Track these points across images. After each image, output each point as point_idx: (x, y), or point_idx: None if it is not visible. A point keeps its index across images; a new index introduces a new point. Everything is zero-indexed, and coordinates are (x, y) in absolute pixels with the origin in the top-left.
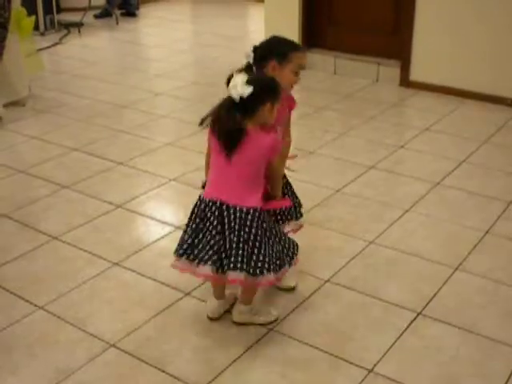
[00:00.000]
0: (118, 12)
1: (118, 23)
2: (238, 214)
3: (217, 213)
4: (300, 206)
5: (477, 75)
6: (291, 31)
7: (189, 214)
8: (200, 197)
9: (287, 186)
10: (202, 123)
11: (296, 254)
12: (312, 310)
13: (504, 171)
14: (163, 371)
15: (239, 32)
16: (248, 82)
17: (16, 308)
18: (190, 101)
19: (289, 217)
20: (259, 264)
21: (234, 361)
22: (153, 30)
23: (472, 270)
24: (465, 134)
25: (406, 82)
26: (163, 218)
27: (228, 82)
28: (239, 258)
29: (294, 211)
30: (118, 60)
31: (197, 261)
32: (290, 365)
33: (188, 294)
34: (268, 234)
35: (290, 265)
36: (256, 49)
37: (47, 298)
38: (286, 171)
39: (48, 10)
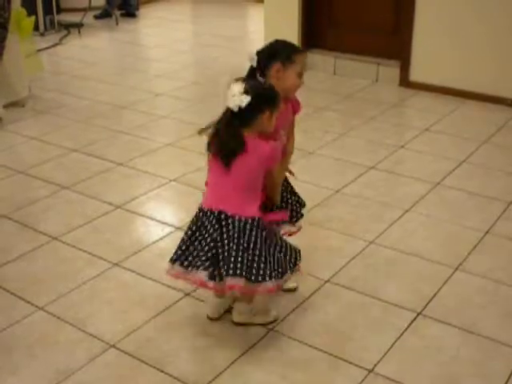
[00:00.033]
0: (117, 12)
1: (117, 24)
2: (236, 224)
3: (214, 221)
4: (302, 205)
5: (477, 75)
6: (291, 32)
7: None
8: (200, 206)
9: (287, 185)
10: (200, 133)
11: (298, 261)
12: (312, 311)
13: (504, 171)
14: (163, 371)
15: (239, 32)
16: (246, 92)
17: (16, 309)
18: (191, 101)
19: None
20: (261, 272)
21: (234, 361)
22: (153, 30)
23: (472, 270)
24: (465, 135)
25: (405, 82)
26: (163, 218)
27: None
28: (239, 265)
29: (295, 212)
30: (118, 60)
31: (190, 267)
32: (289, 365)
33: (188, 294)
34: (268, 241)
35: (292, 271)
36: (259, 52)
37: (47, 298)
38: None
39: (48, 11)
